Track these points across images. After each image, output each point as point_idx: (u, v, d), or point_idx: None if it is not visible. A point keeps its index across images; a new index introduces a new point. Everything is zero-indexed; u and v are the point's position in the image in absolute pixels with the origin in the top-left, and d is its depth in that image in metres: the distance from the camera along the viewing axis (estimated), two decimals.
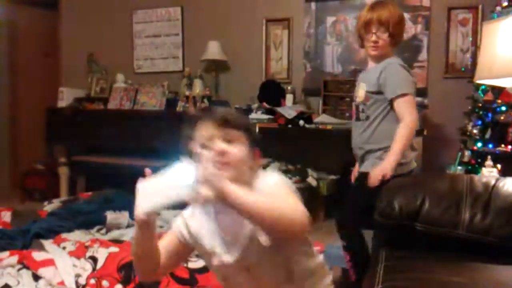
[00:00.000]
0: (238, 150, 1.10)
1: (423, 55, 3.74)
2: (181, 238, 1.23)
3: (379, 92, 1.98)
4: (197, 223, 1.20)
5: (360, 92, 2.05)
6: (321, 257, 1.26)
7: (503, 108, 2.84)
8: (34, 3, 5.14)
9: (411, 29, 3.75)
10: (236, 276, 1.17)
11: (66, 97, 4.38)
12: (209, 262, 1.21)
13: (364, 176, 1.99)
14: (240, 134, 1.12)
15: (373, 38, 1.99)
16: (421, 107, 3.32)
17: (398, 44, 2.07)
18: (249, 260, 1.13)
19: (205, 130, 1.12)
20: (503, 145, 2.80)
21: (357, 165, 2.15)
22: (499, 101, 2.86)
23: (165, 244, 1.22)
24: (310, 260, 1.22)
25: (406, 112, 1.92)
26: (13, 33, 5.09)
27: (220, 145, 1.09)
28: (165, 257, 1.20)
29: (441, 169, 3.23)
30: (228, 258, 1.14)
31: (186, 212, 1.24)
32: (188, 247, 1.23)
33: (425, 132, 3.20)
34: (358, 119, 2.07)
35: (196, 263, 2.28)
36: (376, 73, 1.99)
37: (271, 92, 3.90)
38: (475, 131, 2.95)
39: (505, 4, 2.88)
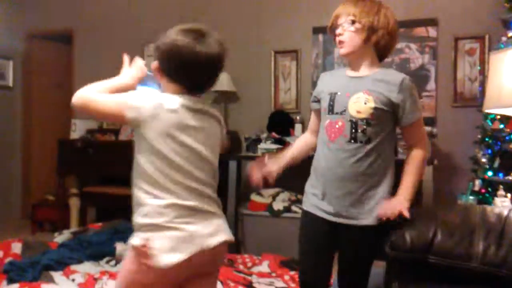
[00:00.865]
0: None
1: (431, 85, 3.76)
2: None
3: (387, 111, 1.60)
4: None
5: (361, 105, 1.59)
6: None
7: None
8: (48, 37, 5.29)
9: (418, 59, 3.79)
10: None
11: (78, 129, 4.45)
12: None
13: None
14: None
15: (338, 30, 1.64)
16: (430, 136, 3.32)
17: (381, 51, 1.69)
18: None
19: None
20: None
21: (317, 211, 1.67)
22: (508, 129, 2.85)
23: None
24: None
25: (424, 138, 1.69)
26: (27, 66, 5.23)
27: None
28: None
29: (452, 199, 3.20)
30: None
31: None
32: None
33: (435, 162, 3.18)
34: (353, 140, 1.59)
35: None
36: (382, 87, 1.60)
37: (280, 122, 3.93)
38: (484, 160, 2.94)
39: (511, 34, 2.91)
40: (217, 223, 1.36)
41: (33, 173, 5.23)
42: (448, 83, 3.72)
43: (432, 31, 3.75)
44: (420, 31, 3.78)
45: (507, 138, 2.85)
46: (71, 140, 4.40)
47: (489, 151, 2.94)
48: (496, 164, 2.88)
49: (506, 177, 2.78)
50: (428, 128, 3.38)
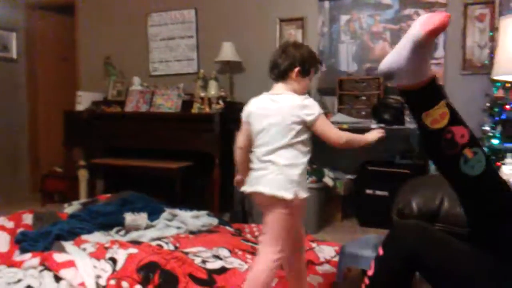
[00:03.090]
0: None
1: (439, 52, 3.69)
2: None
3: None
4: None
5: None
6: None
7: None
8: (50, 8, 5.23)
9: None
10: None
11: (84, 101, 4.45)
12: None
13: None
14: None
15: None
16: None
17: None
18: None
19: None
20: None
21: None
22: (511, 97, 2.82)
23: None
24: None
25: None
26: (31, 38, 5.19)
27: None
28: None
29: None
30: None
31: None
32: None
33: None
34: None
35: (214, 264, 2.30)
36: None
37: None
38: (487, 128, 2.93)
39: None
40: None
41: (41, 146, 5.27)
42: (457, 50, 3.66)
43: None
44: None
45: (509, 106, 2.82)
46: (77, 112, 4.40)
47: (495, 119, 2.92)
48: (498, 132, 2.86)
49: (509, 145, 2.77)
50: None
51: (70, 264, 2.16)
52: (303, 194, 1.68)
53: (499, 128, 2.89)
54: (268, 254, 1.70)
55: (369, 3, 3.88)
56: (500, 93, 2.95)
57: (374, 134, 1.77)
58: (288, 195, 1.63)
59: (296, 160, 1.67)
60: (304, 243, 1.99)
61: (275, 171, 1.66)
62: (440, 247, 1.22)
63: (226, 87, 4.21)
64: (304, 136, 1.69)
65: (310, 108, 1.67)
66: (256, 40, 4.25)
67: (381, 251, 1.29)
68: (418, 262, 1.22)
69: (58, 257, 2.22)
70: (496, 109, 2.95)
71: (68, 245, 2.53)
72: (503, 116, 2.87)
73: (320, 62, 1.90)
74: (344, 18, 3.97)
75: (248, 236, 3.07)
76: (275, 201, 1.66)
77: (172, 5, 4.54)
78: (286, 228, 1.70)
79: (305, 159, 1.69)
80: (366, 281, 1.32)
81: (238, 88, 4.33)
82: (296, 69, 1.74)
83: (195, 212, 3.14)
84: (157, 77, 4.64)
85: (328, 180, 3.53)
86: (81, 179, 4.45)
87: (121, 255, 2.24)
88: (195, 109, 3.97)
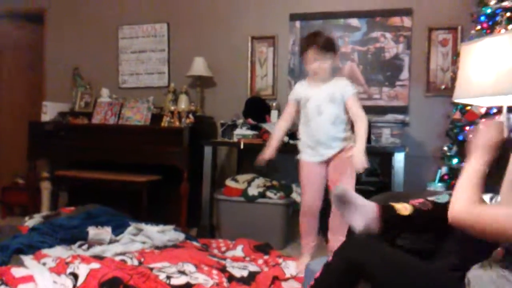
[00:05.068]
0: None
1: (404, 74, 3.82)
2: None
3: None
4: None
5: None
6: None
7: (468, 127, 2.95)
8: (18, 16, 5.12)
9: (393, 48, 3.84)
10: None
11: (49, 111, 4.35)
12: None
13: None
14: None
15: None
16: (402, 124, 3.39)
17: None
18: None
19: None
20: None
21: None
22: (466, 119, 2.97)
23: None
24: None
25: None
26: None
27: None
28: None
29: (422, 187, 3.29)
30: None
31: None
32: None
33: (407, 150, 3.26)
34: None
35: (179, 279, 2.27)
36: None
37: (256, 108, 3.93)
38: (445, 148, 3.06)
39: (479, 27, 2.98)
40: None
41: (3, 156, 5.10)
42: (421, 73, 3.80)
43: (407, 21, 3.81)
44: (395, 20, 3.83)
45: (466, 127, 2.95)
46: (42, 123, 4.30)
47: (457, 139, 3.04)
48: (453, 152, 2.99)
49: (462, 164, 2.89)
50: (400, 117, 3.45)
51: (29, 279, 2.09)
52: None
53: (454, 149, 3.01)
54: None
55: (338, 24, 3.99)
56: (457, 115, 3.08)
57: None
58: None
59: None
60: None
61: None
62: (385, 259, 1.30)
63: (197, 101, 4.21)
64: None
65: None
66: (228, 56, 4.29)
67: (330, 258, 1.43)
68: (363, 271, 1.31)
69: (17, 271, 2.15)
70: (455, 131, 3.07)
71: (27, 259, 2.45)
72: (460, 137, 2.99)
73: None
74: None
75: (215, 251, 3.05)
76: None
77: (144, 19, 4.54)
78: None
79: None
80: (312, 282, 1.43)
81: (208, 103, 4.34)
82: None
83: (161, 227, 3.10)
84: (127, 90, 4.59)
85: (296, 196, 3.56)
86: (44, 191, 4.33)
87: (83, 270, 2.19)
88: (164, 123, 3.95)
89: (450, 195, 1.40)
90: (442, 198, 1.50)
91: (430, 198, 1.52)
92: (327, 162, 2.62)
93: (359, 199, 1.50)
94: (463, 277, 1.24)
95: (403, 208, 1.47)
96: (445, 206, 1.28)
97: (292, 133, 3.58)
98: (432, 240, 1.49)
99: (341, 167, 2.51)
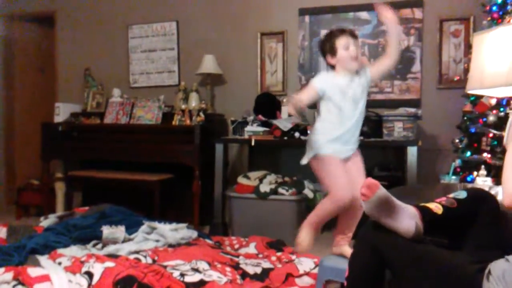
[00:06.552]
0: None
1: (416, 67, 3.78)
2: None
3: None
4: None
5: None
6: None
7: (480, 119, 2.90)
8: (30, 19, 5.18)
9: (404, 41, 3.79)
10: None
11: (62, 112, 4.39)
12: None
13: None
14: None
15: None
16: (414, 118, 3.35)
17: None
18: None
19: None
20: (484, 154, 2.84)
21: None
22: (477, 111, 2.91)
23: None
24: None
25: None
26: (9, 49, 5.11)
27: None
28: None
29: (436, 180, 3.25)
30: None
31: None
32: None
33: (419, 143, 3.22)
34: None
35: (192, 277, 2.28)
36: None
37: (267, 105, 3.92)
38: (457, 140, 3.01)
39: (490, 18, 2.93)
40: None
41: (17, 158, 5.17)
42: (433, 65, 3.75)
43: (418, 13, 3.76)
44: (406, 12, 3.78)
45: (483, 119, 2.90)
46: (55, 124, 4.34)
47: (470, 131, 3.00)
48: (463, 144, 2.94)
49: (478, 157, 2.84)
50: (413, 110, 3.41)
51: (45, 278, 2.11)
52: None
53: (464, 141, 2.96)
54: None
55: (348, 18, 3.95)
56: (468, 107, 3.03)
57: None
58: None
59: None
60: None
61: None
62: (398, 247, 1.34)
63: (207, 99, 4.21)
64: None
65: None
66: (237, 53, 4.28)
67: (352, 250, 1.46)
68: (383, 257, 1.35)
69: (33, 271, 2.18)
70: (468, 123, 3.02)
71: (43, 259, 2.48)
72: (472, 130, 2.94)
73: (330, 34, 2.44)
74: (324, 32, 4.02)
75: (228, 248, 3.05)
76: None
77: (154, 18, 4.55)
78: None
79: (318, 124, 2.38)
80: (345, 283, 1.44)
81: (218, 100, 4.34)
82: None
83: (174, 225, 3.11)
84: (138, 89, 4.61)
85: (308, 192, 3.55)
86: (58, 192, 4.37)
87: (98, 269, 2.21)
88: (175, 121, 3.96)
89: (467, 190, 1.47)
90: (461, 195, 1.46)
91: (450, 196, 1.48)
92: (346, 158, 2.48)
93: (400, 202, 1.41)
94: (482, 270, 1.23)
95: (436, 208, 1.42)
96: (466, 202, 1.40)
97: (304, 129, 3.57)
98: (453, 234, 1.46)
99: (359, 164, 2.39)
